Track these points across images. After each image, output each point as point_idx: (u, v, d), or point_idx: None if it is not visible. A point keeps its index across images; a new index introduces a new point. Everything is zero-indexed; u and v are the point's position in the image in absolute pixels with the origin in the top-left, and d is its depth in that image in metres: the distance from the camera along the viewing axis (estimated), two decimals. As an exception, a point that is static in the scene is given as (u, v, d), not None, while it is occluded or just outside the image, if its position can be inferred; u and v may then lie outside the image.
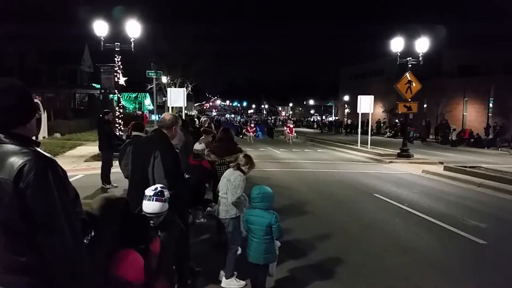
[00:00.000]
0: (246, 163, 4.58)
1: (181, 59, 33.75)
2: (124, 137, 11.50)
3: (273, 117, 75.92)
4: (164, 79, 31.86)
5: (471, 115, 33.77)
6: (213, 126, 12.81)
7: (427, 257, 5.69)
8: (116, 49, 14.84)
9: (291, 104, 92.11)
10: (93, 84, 44.23)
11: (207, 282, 4.59)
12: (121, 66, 15.28)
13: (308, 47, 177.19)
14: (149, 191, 3.13)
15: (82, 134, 24.77)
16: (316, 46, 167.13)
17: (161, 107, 39.93)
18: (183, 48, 32.91)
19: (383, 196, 9.62)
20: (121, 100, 16.22)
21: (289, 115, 79.20)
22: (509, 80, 28.28)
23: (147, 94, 45.15)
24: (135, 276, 2.42)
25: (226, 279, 4.50)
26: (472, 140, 27.14)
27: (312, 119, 68.65)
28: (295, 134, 29.69)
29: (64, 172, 1.76)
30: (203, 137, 8.09)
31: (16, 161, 1.61)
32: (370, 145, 20.33)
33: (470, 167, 13.33)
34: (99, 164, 10.38)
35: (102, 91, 32.43)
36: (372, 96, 20.68)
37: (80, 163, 13.36)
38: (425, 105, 33.66)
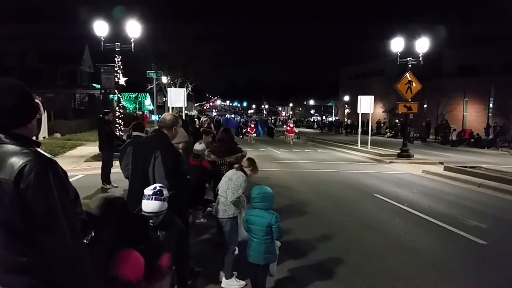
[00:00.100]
0: (249, 165, 4.63)
1: (181, 59, 33.76)
2: (124, 137, 11.50)
3: (273, 117, 75.91)
4: (164, 79, 31.88)
5: (471, 115, 33.78)
6: (212, 126, 12.81)
7: (427, 257, 5.70)
8: (116, 49, 14.85)
9: (291, 104, 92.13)
10: (93, 84, 44.25)
11: (207, 282, 4.59)
12: (121, 66, 15.29)
13: (308, 47, 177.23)
14: (148, 191, 3.13)
15: (82, 134, 24.78)
16: (316, 46, 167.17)
17: (161, 107, 39.95)
18: (183, 48, 32.93)
19: (383, 196, 9.63)
20: (121, 100, 16.22)
21: (289, 115, 79.20)
22: (509, 80, 28.29)
23: (147, 94, 45.16)
24: (136, 276, 2.42)
25: (226, 279, 4.51)
26: (472, 140, 27.15)
27: (312, 119, 68.66)
28: (296, 131, 29.56)
29: (65, 172, 1.76)
30: (203, 138, 8.09)
31: (17, 161, 1.61)
32: (370, 145, 20.33)
33: (470, 167, 13.33)
34: (99, 164, 10.38)
35: (102, 91, 32.41)
36: (372, 96, 20.68)
37: (80, 163, 13.36)
38: (425, 105, 33.67)
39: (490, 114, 30.22)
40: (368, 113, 20.99)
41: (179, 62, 34.01)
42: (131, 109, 45.17)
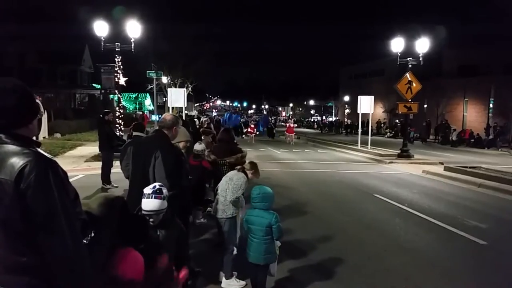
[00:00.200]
0: (251, 168, 4.66)
1: (181, 59, 33.75)
2: (125, 138, 11.51)
3: (273, 117, 75.86)
4: (164, 79, 31.88)
5: (471, 115, 33.79)
6: (212, 126, 12.81)
7: (427, 257, 5.70)
8: (117, 49, 14.86)
9: (291, 104, 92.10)
10: (93, 84, 44.24)
11: (207, 283, 4.59)
12: (121, 66, 15.30)
13: (308, 47, 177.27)
14: (147, 190, 3.14)
15: (82, 134, 24.79)
16: (316, 46, 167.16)
17: (161, 108, 39.96)
18: (183, 48, 32.92)
19: (383, 196, 9.63)
20: (121, 100, 16.23)
21: (290, 115, 79.17)
22: (509, 80, 28.32)
23: (147, 95, 45.14)
24: (135, 275, 2.42)
25: (226, 279, 4.51)
26: (473, 140, 27.15)
27: (312, 120, 68.65)
28: (296, 128, 29.42)
29: (65, 173, 1.76)
30: (203, 138, 8.09)
31: (17, 162, 1.61)
32: (370, 146, 20.34)
33: (470, 167, 13.33)
34: (99, 164, 10.38)
35: (102, 91, 32.40)
36: (372, 96, 20.69)
37: (80, 163, 13.37)
38: (425, 106, 33.69)
39: (490, 114, 30.23)
40: (368, 113, 21.00)
41: (179, 62, 34.00)
42: (131, 109, 45.17)
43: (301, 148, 23.87)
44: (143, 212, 3.10)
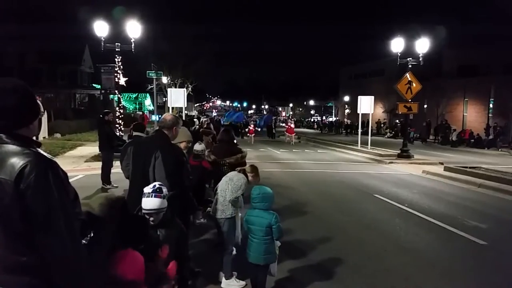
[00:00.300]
0: (252, 171, 4.65)
1: (181, 59, 33.75)
2: (125, 138, 11.51)
3: (273, 118, 75.83)
4: (164, 80, 31.87)
5: (471, 115, 33.79)
6: (212, 126, 12.80)
7: (427, 257, 5.70)
8: (117, 49, 14.87)
9: (291, 105, 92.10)
10: (94, 85, 44.22)
11: (207, 283, 4.59)
12: (121, 67, 15.31)
13: (308, 47, 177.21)
14: (147, 189, 3.14)
15: (82, 134, 24.80)
16: (316, 46, 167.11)
17: (161, 108, 39.95)
18: (183, 48, 32.91)
19: (383, 196, 9.63)
20: (121, 100, 16.23)
21: (290, 115, 79.17)
22: (509, 80, 28.32)
23: (147, 95, 45.13)
24: (136, 275, 2.42)
25: (226, 279, 4.51)
26: (473, 140, 27.16)
27: (312, 120, 68.65)
28: (296, 128, 29.42)
29: (65, 173, 1.76)
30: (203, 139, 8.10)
31: (17, 162, 1.62)
32: (370, 146, 20.34)
33: (470, 167, 13.33)
34: (99, 164, 10.38)
35: (103, 91, 32.38)
36: (372, 97, 20.69)
37: (80, 163, 13.37)
38: (425, 106, 33.69)
39: (490, 115, 30.23)
40: (368, 113, 21.00)
41: (179, 62, 34.00)
42: (131, 109, 45.16)
43: (301, 148, 23.88)
44: (143, 211, 3.10)
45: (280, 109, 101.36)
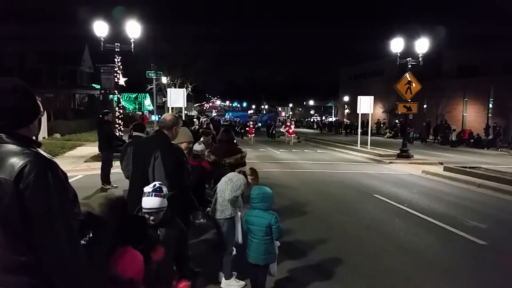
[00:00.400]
0: (252, 174, 4.67)
1: (181, 59, 33.71)
2: (125, 138, 11.50)
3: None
4: (164, 80, 31.85)
5: (470, 115, 33.79)
6: (212, 126, 12.80)
7: (427, 257, 5.70)
8: (116, 49, 14.87)
9: (291, 105, 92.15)
10: (93, 85, 44.20)
11: (207, 283, 4.59)
12: (121, 67, 15.31)
13: (308, 47, 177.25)
14: (147, 188, 3.15)
15: (82, 134, 24.80)
16: (316, 46, 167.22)
17: (161, 108, 39.91)
18: (183, 48, 32.87)
19: (383, 196, 9.63)
20: (121, 100, 16.23)
21: (289, 115, 79.20)
22: (509, 80, 28.31)
23: (147, 95, 45.12)
24: (135, 274, 2.42)
25: (226, 279, 4.51)
26: (472, 140, 27.17)
27: (312, 120, 68.69)
28: (295, 128, 29.42)
29: (64, 174, 1.76)
30: (202, 139, 8.10)
31: (17, 161, 1.62)
32: (370, 146, 20.34)
33: (470, 167, 13.34)
34: (99, 164, 10.38)
35: (102, 91, 32.40)
36: (372, 97, 20.69)
37: (80, 163, 13.37)
38: (425, 106, 33.69)
39: (489, 115, 30.23)
40: (368, 114, 21.00)
41: (179, 62, 33.96)
42: (130, 109, 45.17)
43: (301, 148, 23.88)
44: (144, 210, 3.10)
45: (279, 109, 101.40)
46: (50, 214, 1.62)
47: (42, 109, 1.87)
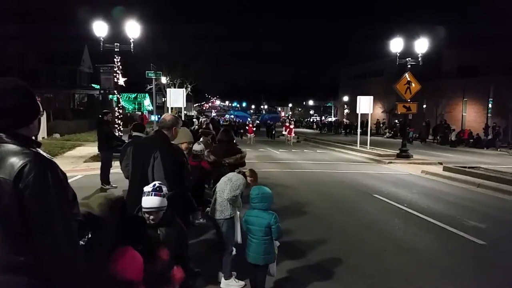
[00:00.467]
0: (251, 175, 4.67)
1: (181, 59, 33.68)
2: (125, 138, 11.50)
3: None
4: (164, 80, 31.83)
5: (470, 115, 33.81)
6: (211, 126, 12.79)
7: (427, 257, 5.70)
8: (116, 49, 14.86)
9: (290, 105, 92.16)
10: (93, 85, 44.18)
11: (207, 283, 4.58)
12: (120, 67, 15.30)
13: (308, 47, 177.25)
14: (147, 188, 3.15)
15: (81, 134, 24.79)
16: (316, 46, 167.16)
17: (160, 108, 39.89)
18: (183, 49, 32.84)
19: (383, 196, 9.63)
20: (121, 100, 16.22)
21: (289, 115, 79.21)
22: (509, 80, 28.34)
23: (147, 95, 45.12)
24: (134, 275, 2.41)
25: (225, 279, 4.51)
26: (472, 140, 27.18)
27: (311, 120, 68.71)
28: (295, 128, 29.45)
29: (64, 174, 1.76)
30: (201, 139, 8.10)
31: (17, 161, 1.62)
32: (370, 146, 20.35)
33: (469, 167, 13.35)
34: (98, 164, 10.37)
35: (102, 91, 32.38)
36: (372, 97, 20.71)
37: (79, 163, 13.36)
38: (424, 106, 33.70)
39: (489, 115, 30.25)
40: (368, 114, 21.01)
41: (178, 62, 33.93)
42: (130, 109, 45.15)
43: (300, 148, 23.89)
44: (144, 209, 3.10)
45: (279, 109, 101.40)
46: (49, 214, 1.62)
47: (41, 109, 1.87)
